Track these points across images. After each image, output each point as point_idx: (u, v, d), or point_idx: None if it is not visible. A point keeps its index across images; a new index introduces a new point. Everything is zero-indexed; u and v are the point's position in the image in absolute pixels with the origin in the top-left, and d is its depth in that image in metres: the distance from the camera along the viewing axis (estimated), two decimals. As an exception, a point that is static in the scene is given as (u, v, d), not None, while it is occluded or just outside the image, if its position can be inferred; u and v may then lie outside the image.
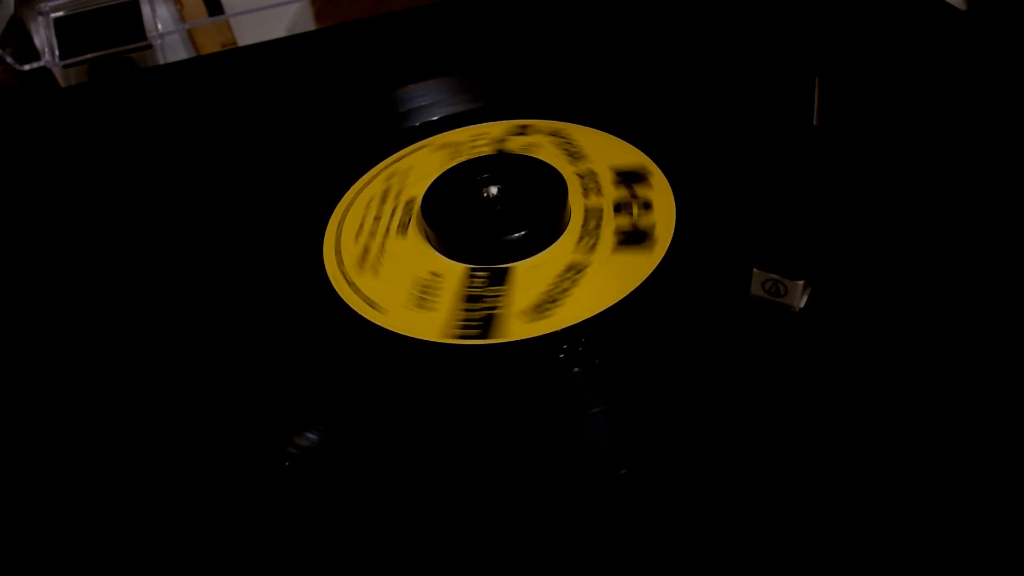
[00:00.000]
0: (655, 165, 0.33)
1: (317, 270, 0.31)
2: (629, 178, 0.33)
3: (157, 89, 0.45)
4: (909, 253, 0.28)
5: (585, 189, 0.32)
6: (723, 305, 0.27)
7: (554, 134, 0.36)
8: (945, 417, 0.22)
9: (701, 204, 0.31)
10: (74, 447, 0.26)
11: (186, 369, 0.28)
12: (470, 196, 0.32)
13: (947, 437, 0.22)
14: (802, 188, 0.30)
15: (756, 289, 0.26)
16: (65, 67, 0.47)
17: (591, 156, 0.34)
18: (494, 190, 0.32)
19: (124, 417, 0.27)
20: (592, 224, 0.31)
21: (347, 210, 0.34)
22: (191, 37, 0.53)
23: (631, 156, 0.34)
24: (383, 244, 0.32)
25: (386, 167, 0.36)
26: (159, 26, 0.49)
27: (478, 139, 0.36)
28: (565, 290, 0.28)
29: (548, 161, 0.33)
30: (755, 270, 0.26)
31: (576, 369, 0.26)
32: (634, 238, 0.29)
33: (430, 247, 0.31)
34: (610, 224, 0.30)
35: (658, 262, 0.29)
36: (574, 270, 0.29)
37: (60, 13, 0.47)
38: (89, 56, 0.46)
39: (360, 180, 0.35)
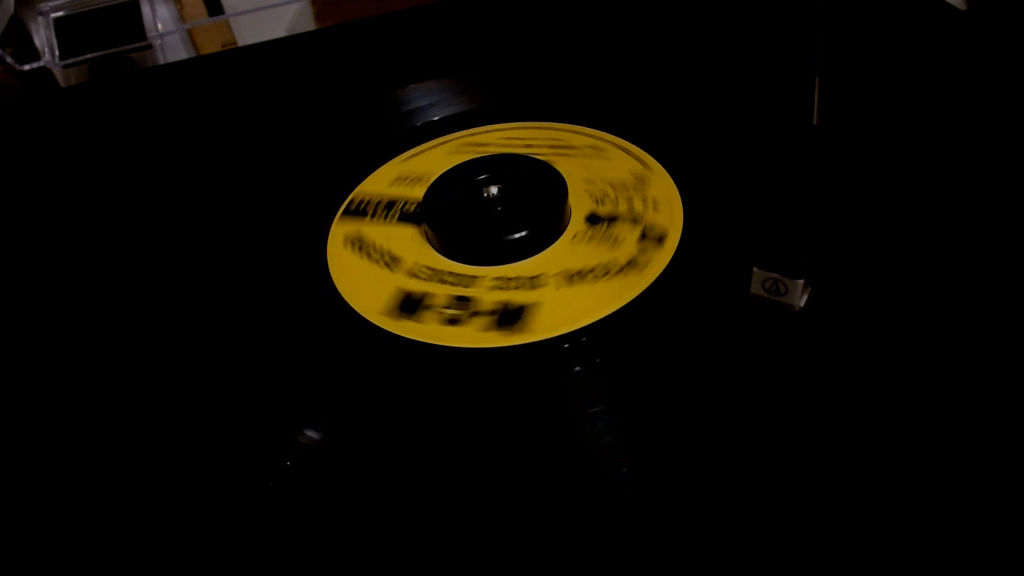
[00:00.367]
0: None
1: (317, 270, 0.31)
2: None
3: (157, 89, 0.45)
4: (909, 253, 0.28)
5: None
6: (723, 304, 0.27)
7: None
8: (945, 417, 0.22)
9: (702, 204, 0.31)
10: (74, 446, 0.26)
11: (187, 369, 0.28)
12: (470, 196, 0.32)
13: (947, 436, 0.22)
14: (802, 188, 0.30)
15: (756, 288, 0.26)
16: (65, 67, 0.47)
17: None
18: (494, 190, 0.32)
19: (125, 417, 0.27)
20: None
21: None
22: (191, 37, 0.53)
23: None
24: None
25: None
26: (159, 26, 0.49)
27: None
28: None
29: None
30: (755, 269, 0.26)
31: (577, 369, 0.26)
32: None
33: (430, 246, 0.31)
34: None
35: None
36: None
37: (60, 13, 0.47)
38: (89, 56, 0.46)
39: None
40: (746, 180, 0.32)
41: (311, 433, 0.25)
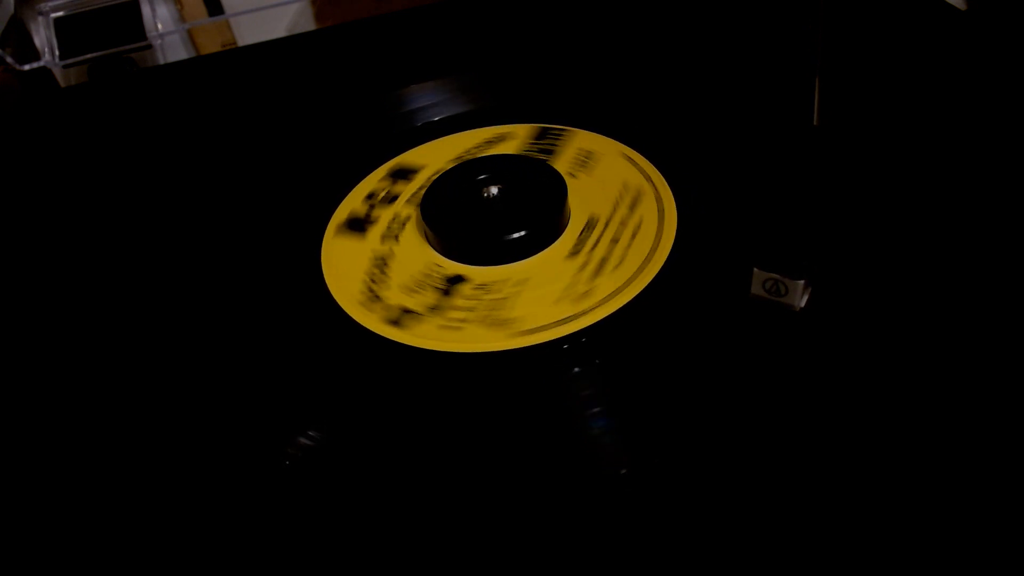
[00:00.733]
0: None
1: (315, 271, 0.31)
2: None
3: (157, 89, 0.45)
4: (909, 253, 0.28)
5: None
6: (723, 305, 0.27)
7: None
8: (945, 417, 0.22)
9: (702, 204, 0.31)
10: (72, 447, 0.26)
11: (186, 370, 0.28)
12: (470, 196, 0.32)
13: (947, 436, 0.22)
14: (802, 188, 0.30)
15: (756, 289, 0.26)
16: (65, 67, 0.47)
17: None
18: (494, 190, 0.32)
19: (123, 417, 0.27)
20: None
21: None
22: (191, 37, 0.53)
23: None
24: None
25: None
26: (159, 26, 0.49)
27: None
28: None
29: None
30: (755, 270, 0.26)
31: (576, 369, 0.26)
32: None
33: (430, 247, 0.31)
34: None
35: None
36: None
37: (60, 13, 0.47)
38: (89, 56, 0.46)
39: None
40: (746, 181, 0.32)
41: (308, 436, 0.25)
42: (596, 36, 0.44)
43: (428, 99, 0.40)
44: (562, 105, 0.38)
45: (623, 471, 0.23)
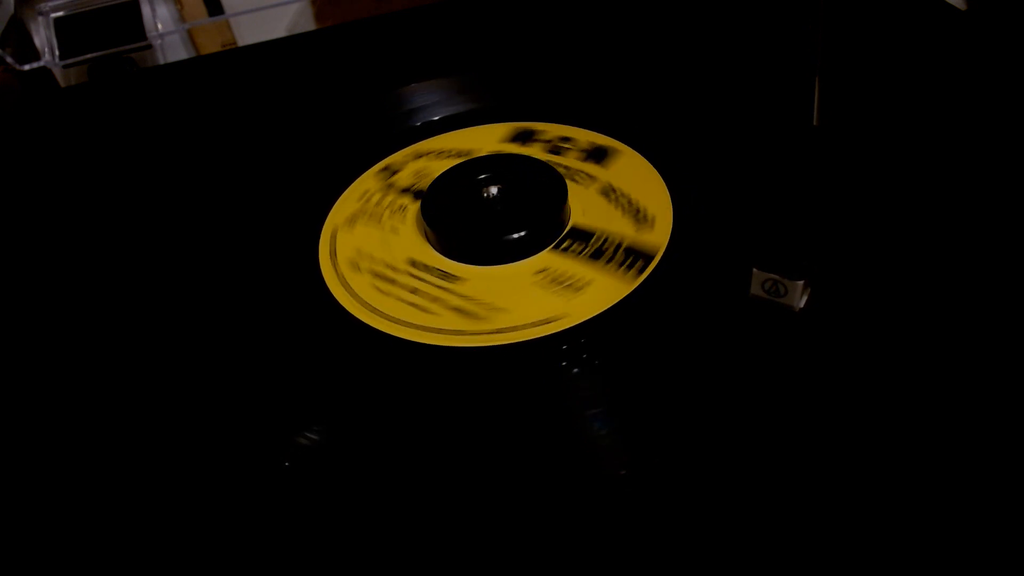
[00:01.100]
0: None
1: (313, 270, 0.31)
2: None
3: (157, 89, 0.45)
4: (909, 253, 0.28)
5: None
6: (723, 305, 0.27)
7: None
8: (944, 417, 0.22)
9: (701, 204, 0.31)
10: (71, 447, 0.26)
11: (184, 369, 0.28)
12: (470, 196, 0.32)
13: (946, 437, 0.22)
14: (802, 188, 0.30)
15: (756, 289, 0.26)
16: (65, 67, 0.47)
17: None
18: (494, 190, 0.32)
19: (122, 417, 0.27)
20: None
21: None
22: (191, 37, 0.53)
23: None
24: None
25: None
26: (159, 26, 0.49)
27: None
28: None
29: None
30: (755, 270, 0.26)
31: (576, 370, 0.26)
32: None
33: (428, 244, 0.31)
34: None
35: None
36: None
37: (60, 13, 0.47)
38: (89, 56, 0.46)
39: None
40: (746, 181, 0.32)
41: (306, 434, 0.25)
42: (595, 36, 0.44)
43: (428, 99, 0.40)
44: (562, 105, 0.38)
45: (622, 471, 0.23)
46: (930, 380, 0.23)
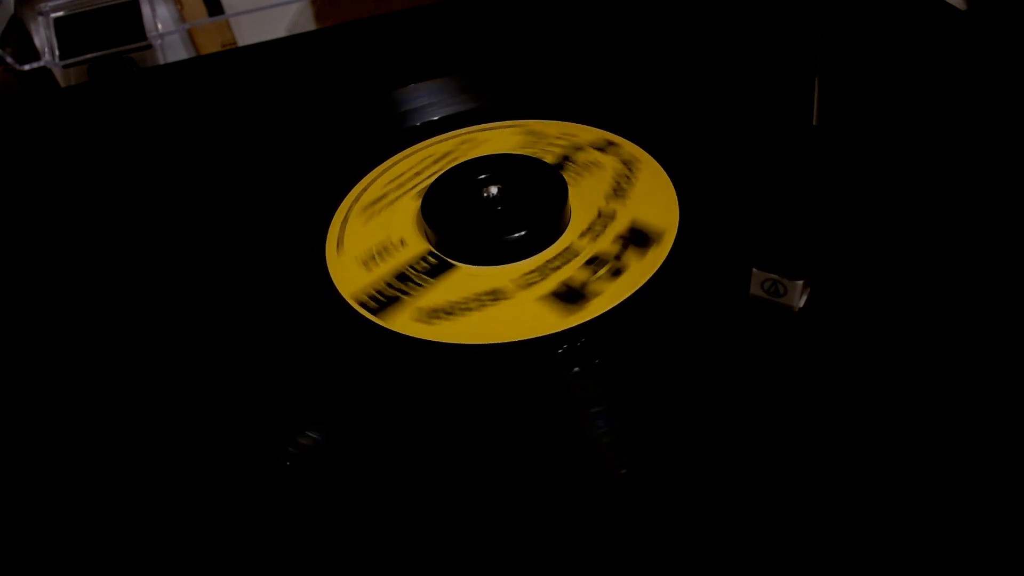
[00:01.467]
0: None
1: (317, 269, 0.31)
2: (634, 239, 0.30)
3: (157, 89, 0.45)
4: (909, 253, 0.28)
5: (590, 226, 0.31)
6: (723, 305, 0.27)
7: (627, 162, 0.34)
8: (944, 417, 0.22)
9: (701, 204, 0.31)
10: (72, 446, 0.26)
11: (186, 370, 0.28)
12: (471, 196, 0.32)
13: (946, 437, 0.22)
14: (802, 188, 0.30)
15: (756, 289, 0.26)
16: (65, 67, 0.47)
17: (631, 200, 0.32)
18: (494, 190, 0.32)
19: (124, 416, 0.27)
20: (557, 262, 0.30)
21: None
22: (191, 37, 0.53)
23: (662, 218, 0.31)
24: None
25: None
26: (159, 26, 0.49)
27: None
28: (470, 309, 0.28)
29: (596, 184, 0.32)
30: (755, 270, 0.26)
31: (576, 369, 0.26)
32: (565, 296, 0.28)
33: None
34: (564, 272, 0.29)
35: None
36: (494, 295, 0.29)
37: (60, 13, 0.47)
38: (89, 56, 0.46)
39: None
40: (745, 181, 0.32)
41: (311, 433, 0.25)
42: (595, 36, 0.44)
43: (428, 99, 0.40)
44: (561, 104, 0.38)
45: (622, 471, 0.23)
46: (930, 380, 0.23)
